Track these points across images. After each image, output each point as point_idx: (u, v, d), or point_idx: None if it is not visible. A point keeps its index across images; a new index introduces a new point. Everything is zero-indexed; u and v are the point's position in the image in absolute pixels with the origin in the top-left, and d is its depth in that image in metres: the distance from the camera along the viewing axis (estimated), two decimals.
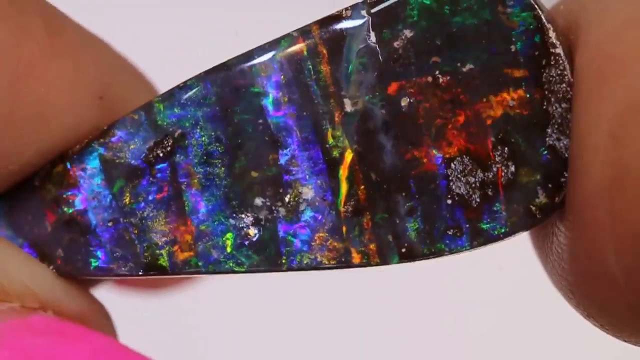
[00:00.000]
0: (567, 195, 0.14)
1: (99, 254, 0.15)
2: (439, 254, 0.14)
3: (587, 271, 0.14)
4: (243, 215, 0.15)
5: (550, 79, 0.14)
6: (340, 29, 0.14)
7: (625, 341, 0.14)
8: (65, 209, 0.15)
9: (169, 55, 0.40)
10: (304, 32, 0.14)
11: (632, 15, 0.13)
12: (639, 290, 0.13)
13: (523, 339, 0.39)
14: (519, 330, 0.39)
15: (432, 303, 0.39)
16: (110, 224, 0.15)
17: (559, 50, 0.14)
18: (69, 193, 0.15)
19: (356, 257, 0.14)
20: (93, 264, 0.15)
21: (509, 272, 0.37)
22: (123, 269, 0.15)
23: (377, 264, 0.15)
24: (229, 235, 0.15)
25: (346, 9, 0.14)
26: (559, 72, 0.14)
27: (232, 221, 0.15)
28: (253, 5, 0.42)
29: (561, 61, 0.14)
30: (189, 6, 0.42)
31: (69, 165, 0.15)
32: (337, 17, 0.14)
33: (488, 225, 0.14)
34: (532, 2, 0.14)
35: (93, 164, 0.15)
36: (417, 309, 0.39)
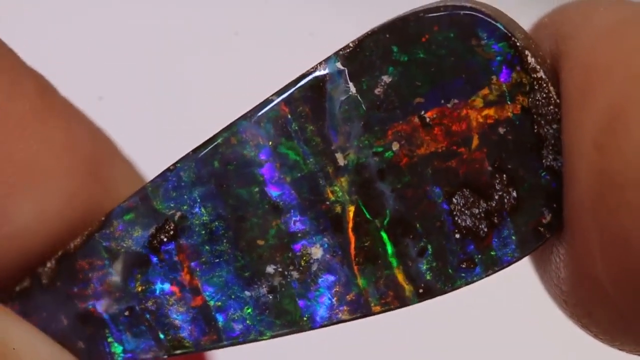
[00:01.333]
0: (564, 205, 0.14)
1: (121, 343, 0.15)
2: (457, 287, 0.15)
3: (578, 281, 0.14)
4: (257, 286, 0.15)
5: (537, 102, 0.14)
6: (319, 85, 0.14)
7: (620, 350, 0.14)
8: (78, 303, 0.15)
9: (169, 55, 0.40)
10: (283, 95, 0.14)
11: (612, 25, 0.13)
12: (627, 300, 0.13)
13: (523, 341, 0.39)
14: (519, 332, 0.39)
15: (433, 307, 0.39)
16: (126, 313, 0.15)
17: (541, 74, 0.14)
18: (80, 287, 0.15)
19: (376, 307, 0.15)
20: (116, 354, 0.15)
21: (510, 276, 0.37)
22: (147, 354, 0.15)
23: (397, 308, 0.15)
24: (247, 308, 0.15)
25: (320, 63, 0.14)
26: (544, 95, 0.14)
27: (247, 293, 0.15)
28: (253, 5, 0.42)
29: (544, 84, 0.14)
30: (189, 6, 0.42)
31: (74, 261, 0.15)
32: (314, 73, 0.14)
33: (500, 252, 0.14)
34: (506, 31, 0.14)
35: (99, 256, 0.15)
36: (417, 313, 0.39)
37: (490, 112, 0.14)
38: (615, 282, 0.13)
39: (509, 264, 0.15)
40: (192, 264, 0.15)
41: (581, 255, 0.13)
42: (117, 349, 0.15)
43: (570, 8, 0.14)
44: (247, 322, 0.15)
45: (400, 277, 0.15)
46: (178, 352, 0.15)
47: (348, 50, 0.14)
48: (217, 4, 0.41)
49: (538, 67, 0.14)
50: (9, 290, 0.15)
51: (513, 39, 0.14)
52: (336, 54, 0.14)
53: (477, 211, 0.14)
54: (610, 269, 0.13)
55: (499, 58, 0.14)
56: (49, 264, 0.15)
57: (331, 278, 0.15)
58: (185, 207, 0.15)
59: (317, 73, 0.14)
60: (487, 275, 0.15)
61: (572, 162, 0.13)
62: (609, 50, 0.13)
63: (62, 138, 0.15)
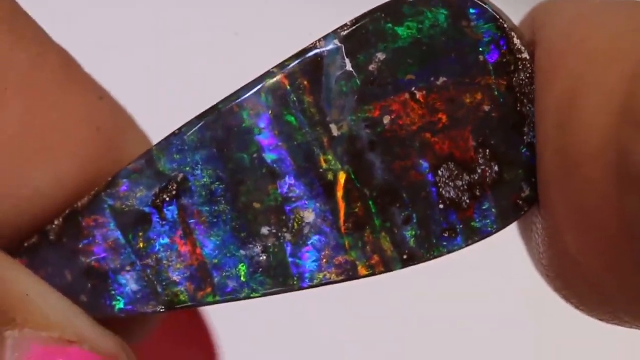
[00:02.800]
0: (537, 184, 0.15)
1: (121, 296, 0.16)
2: (438, 255, 0.15)
3: (553, 254, 0.15)
4: (252, 245, 0.16)
5: (520, 82, 0.15)
6: (317, 60, 0.15)
7: (600, 320, 0.15)
8: (83, 259, 0.16)
9: (170, 55, 0.40)
10: (283, 67, 0.15)
11: (576, 14, 0.14)
12: (595, 269, 0.13)
13: (521, 340, 0.39)
14: (518, 331, 0.39)
15: (431, 304, 0.39)
16: (128, 268, 0.16)
17: (525, 54, 0.15)
18: (85, 243, 0.16)
19: (362, 269, 0.15)
20: (117, 306, 0.16)
21: (507, 271, 0.38)
22: (145, 307, 0.16)
23: (381, 272, 0.16)
24: (241, 265, 0.16)
25: (319, 40, 0.15)
26: (527, 75, 0.15)
27: (242, 252, 0.16)
28: (253, 5, 0.42)
29: (528, 65, 0.15)
30: (189, 6, 0.42)
31: (80, 218, 0.16)
32: (313, 49, 0.15)
33: (480, 223, 0.15)
34: (494, 13, 0.15)
35: (103, 214, 0.16)
36: (416, 310, 0.39)
37: (477, 90, 0.15)
38: (583, 252, 0.13)
39: (489, 234, 0.15)
40: (192, 222, 0.16)
41: (553, 228, 0.14)
42: (119, 301, 0.16)
43: (546, 4, 0.15)
44: (241, 279, 0.16)
45: (385, 242, 0.15)
46: (175, 306, 0.16)
47: (345, 28, 0.15)
48: (217, 4, 0.41)
49: (523, 48, 0.15)
50: (19, 247, 0.16)
51: (500, 20, 0.15)
52: (334, 32, 0.15)
53: (460, 183, 0.15)
54: (577, 240, 0.13)
55: (486, 38, 0.15)
56: (56, 222, 0.16)
57: (321, 241, 0.15)
58: (187, 169, 0.15)
59: (316, 49, 0.15)
60: (466, 245, 0.15)
61: (539, 142, 0.14)
62: (566, 38, 0.14)
63: (81, 109, 0.16)
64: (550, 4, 0.15)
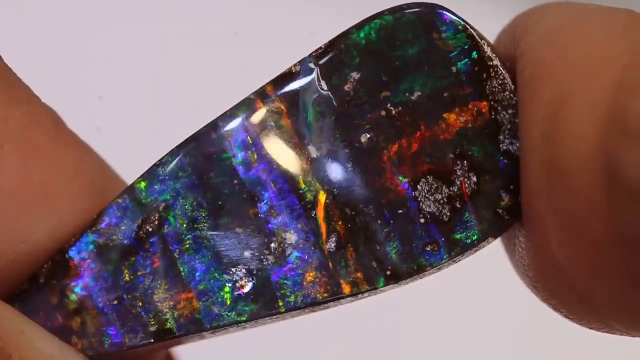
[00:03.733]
0: (521, 196, 0.15)
1: (110, 331, 0.16)
2: (422, 270, 0.16)
3: (540, 265, 0.15)
4: (235, 269, 0.16)
5: (493, 89, 0.15)
6: (293, 84, 0.15)
7: (590, 328, 0.15)
8: (72, 297, 0.16)
9: (170, 55, 0.40)
10: (261, 94, 0.16)
11: (560, 21, 0.14)
12: (583, 279, 0.14)
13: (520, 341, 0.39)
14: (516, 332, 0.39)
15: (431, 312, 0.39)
16: (115, 302, 0.16)
17: (496, 62, 0.15)
18: (73, 283, 0.16)
19: (346, 287, 0.16)
20: (106, 342, 0.16)
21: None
22: (134, 340, 0.16)
23: (366, 290, 0.16)
24: (226, 289, 0.16)
25: (294, 65, 0.15)
26: (499, 82, 0.15)
27: (226, 276, 0.16)
28: (253, 5, 0.42)
29: (500, 72, 0.15)
30: (188, 6, 0.42)
31: (67, 257, 0.16)
32: (289, 74, 0.15)
33: (461, 235, 0.15)
34: (464, 23, 0.15)
35: (89, 251, 0.16)
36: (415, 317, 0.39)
37: (452, 101, 0.15)
38: (571, 262, 0.14)
39: (471, 247, 0.15)
40: (175, 251, 0.16)
41: (539, 240, 0.14)
42: (107, 337, 0.16)
43: (526, 13, 0.15)
44: (227, 304, 0.16)
45: (368, 259, 0.16)
46: (164, 336, 0.16)
47: (320, 51, 0.15)
48: (217, 4, 0.41)
49: (493, 55, 0.15)
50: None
51: (469, 30, 0.15)
52: (309, 55, 0.15)
53: (440, 197, 0.15)
54: (565, 250, 0.14)
55: (458, 49, 0.15)
56: (45, 265, 0.16)
57: (304, 261, 0.16)
58: (168, 197, 0.16)
59: (292, 73, 0.15)
60: (450, 259, 0.15)
61: (525, 152, 0.14)
62: (551, 47, 0.14)
63: (73, 164, 0.16)
64: (531, 13, 0.15)
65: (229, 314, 0.16)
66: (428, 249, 0.15)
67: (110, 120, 0.38)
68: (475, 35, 0.15)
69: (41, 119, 0.16)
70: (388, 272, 0.15)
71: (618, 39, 0.13)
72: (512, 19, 0.16)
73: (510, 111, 0.15)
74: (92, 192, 0.16)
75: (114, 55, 0.40)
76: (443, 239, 0.15)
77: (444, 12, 0.15)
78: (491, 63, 0.15)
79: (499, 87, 0.15)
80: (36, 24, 0.40)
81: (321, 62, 0.15)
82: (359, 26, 0.15)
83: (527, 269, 0.15)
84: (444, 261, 0.15)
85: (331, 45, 0.15)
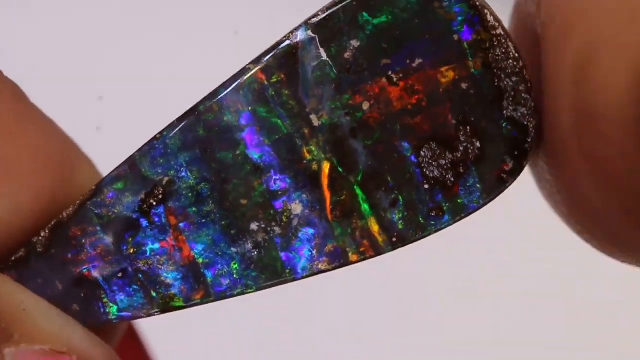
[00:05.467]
0: (545, 142, 0.15)
1: (115, 303, 0.16)
2: (427, 234, 0.16)
3: (573, 202, 0.15)
4: (242, 242, 0.16)
5: (497, 57, 0.15)
6: (292, 52, 0.15)
7: (622, 262, 0.15)
8: (73, 269, 0.16)
9: (170, 55, 0.40)
10: (259, 63, 0.15)
11: None
12: (614, 215, 0.14)
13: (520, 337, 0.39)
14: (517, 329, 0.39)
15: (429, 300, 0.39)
16: (120, 274, 0.16)
17: (500, 30, 0.15)
18: (74, 253, 0.16)
19: (353, 256, 0.16)
20: (112, 313, 0.16)
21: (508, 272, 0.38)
22: (140, 312, 0.16)
23: (372, 257, 0.16)
24: (233, 263, 0.16)
25: (292, 32, 0.15)
26: (503, 50, 0.15)
27: (233, 249, 0.16)
28: (253, 5, 0.42)
29: (503, 40, 0.15)
30: (189, 5, 0.42)
31: (67, 229, 0.16)
32: (287, 42, 0.15)
33: (466, 199, 0.16)
34: None
35: (91, 223, 0.16)
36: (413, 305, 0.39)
37: (453, 68, 0.15)
38: (600, 201, 0.14)
39: (475, 210, 0.16)
40: (181, 224, 0.16)
41: (570, 180, 0.15)
42: (112, 308, 0.16)
43: None
44: (234, 276, 0.16)
45: (374, 227, 0.16)
46: (171, 309, 0.16)
47: (317, 18, 0.15)
48: (217, 4, 0.41)
49: (497, 24, 0.15)
50: (3, 261, 0.16)
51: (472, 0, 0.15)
52: (306, 22, 0.15)
53: (443, 162, 0.15)
54: (595, 190, 0.14)
55: (460, 18, 0.15)
56: (42, 233, 0.16)
57: (311, 231, 0.16)
58: (172, 172, 0.16)
59: (290, 41, 0.15)
60: (454, 222, 0.16)
61: (555, 98, 0.14)
62: None
63: (35, 140, 0.16)
64: None
65: (237, 285, 0.16)
66: (433, 214, 0.15)
67: (110, 120, 0.38)
68: (478, 4, 0.15)
69: (3, 93, 0.16)
70: (394, 239, 0.16)
71: None
72: None
73: (514, 79, 0.15)
74: (54, 167, 0.16)
75: (114, 55, 0.40)
76: (447, 204, 0.15)
77: None
78: (495, 32, 0.15)
79: (503, 56, 0.15)
80: (36, 24, 0.40)
81: (320, 30, 0.15)
82: None
83: (559, 205, 0.16)
84: (448, 224, 0.16)
85: (330, 13, 0.15)
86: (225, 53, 0.40)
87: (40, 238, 0.16)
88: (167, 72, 0.40)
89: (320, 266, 0.16)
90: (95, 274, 0.16)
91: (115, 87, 0.39)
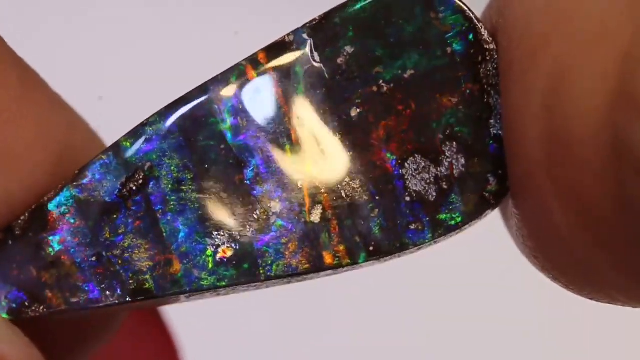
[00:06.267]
0: (509, 172, 0.15)
1: (87, 287, 0.16)
2: (404, 248, 0.16)
3: (541, 235, 0.15)
4: (218, 234, 0.16)
5: (488, 73, 0.15)
6: (286, 53, 0.15)
7: (590, 299, 0.15)
8: (49, 250, 0.16)
9: (170, 55, 0.40)
10: (252, 61, 0.15)
11: None
12: (586, 248, 0.14)
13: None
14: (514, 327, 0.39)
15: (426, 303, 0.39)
16: (94, 258, 0.16)
17: (493, 45, 0.15)
18: (50, 236, 0.16)
19: (328, 259, 0.16)
20: (82, 298, 0.16)
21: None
22: (111, 298, 0.16)
23: (347, 264, 0.16)
24: (208, 253, 0.16)
25: (288, 34, 0.15)
26: (494, 66, 0.15)
27: (209, 240, 0.16)
28: (253, 5, 0.42)
29: (496, 56, 0.15)
30: (188, 5, 0.42)
31: (45, 210, 0.16)
32: (282, 43, 0.15)
33: (446, 216, 0.15)
34: (462, 4, 0.15)
35: (69, 205, 0.16)
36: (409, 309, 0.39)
37: (445, 82, 0.15)
38: (572, 232, 0.14)
39: (456, 228, 0.15)
40: (158, 211, 0.16)
41: (539, 211, 0.14)
42: (85, 293, 0.16)
43: None
44: (208, 267, 0.16)
45: (351, 234, 0.15)
46: (141, 296, 0.16)
47: (314, 22, 0.15)
48: (217, 4, 0.41)
49: (490, 39, 0.15)
50: None
51: (468, 12, 0.15)
52: (304, 26, 0.15)
53: (427, 176, 0.15)
54: (567, 221, 0.13)
55: (454, 30, 0.15)
56: (22, 217, 0.16)
57: (287, 231, 0.15)
58: (154, 157, 0.16)
59: (285, 42, 0.15)
60: (434, 239, 0.15)
61: (522, 125, 0.14)
62: (548, 18, 0.14)
63: (37, 125, 0.16)
64: None
65: (209, 278, 0.16)
66: (412, 227, 0.15)
67: (110, 120, 0.38)
68: (474, 18, 0.15)
69: (7, 78, 0.16)
70: (371, 248, 0.15)
71: (622, 9, 0.13)
72: None
73: None
74: (58, 153, 0.16)
75: (114, 55, 0.40)
76: (427, 219, 0.15)
77: None
78: (487, 47, 0.15)
79: (494, 71, 0.15)
80: (36, 24, 0.40)
81: (315, 33, 0.15)
82: (355, 1, 0.15)
83: (526, 240, 0.15)
84: (427, 241, 0.15)
85: (326, 17, 0.15)
86: (225, 53, 0.40)
87: (20, 221, 0.16)
88: (167, 72, 0.40)
89: (294, 264, 0.16)
90: (70, 257, 0.16)
91: (115, 87, 0.39)
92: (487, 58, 0.15)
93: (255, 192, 0.15)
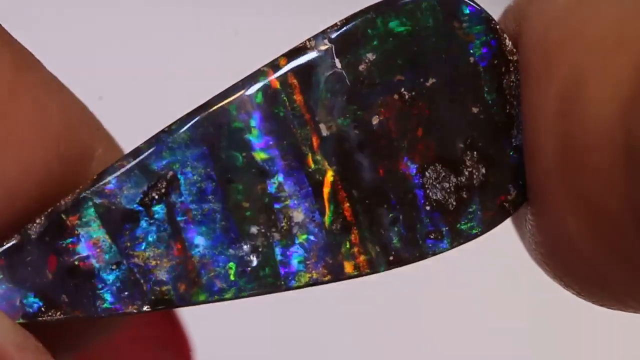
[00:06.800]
0: (526, 178, 0.15)
1: (107, 295, 0.16)
2: (423, 257, 0.15)
3: (554, 242, 0.15)
4: (241, 245, 0.15)
5: (511, 84, 0.15)
6: (307, 60, 0.15)
7: (600, 306, 0.15)
8: (66, 257, 0.15)
9: (170, 55, 0.40)
10: (274, 67, 0.15)
11: (570, 2, 0.14)
12: (599, 256, 0.14)
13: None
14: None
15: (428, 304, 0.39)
16: (114, 267, 0.15)
17: (516, 57, 0.15)
18: (68, 242, 0.15)
19: (349, 270, 0.15)
20: (103, 306, 0.16)
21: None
22: (131, 307, 0.16)
23: (367, 274, 0.16)
24: (230, 264, 0.15)
25: (309, 40, 0.15)
26: (517, 77, 0.15)
27: (231, 251, 0.15)
28: (253, 5, 0.42)
29: (519, 67, 0.15)
30: (189, 5, 0.42)
31: (64, 217, 0.15)
32: (303, 49, 0.15)
33: (466, 226, 0.15)
34: (486, 15, 0.15)
35: (89, 212, 0.15)
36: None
37: (467, 91, 0.15)
38: (586, 239, 0.14)
39: (475, 237, 0.15)
40: (181, 221, 0.15)
41: (553, 217, 0.14)
42: (104, 301, 0.16)
43: None
44: (230, 278, 0.15)
45: (372, 243, 0.15)
46: (162, 306, 0.16)
47: (335, 28, 0.15)
48: (217, 4, 0.41)
49: (514, 49, 0.15)
50: None
51: (493, 22, 0.15)
52: (324, 32, 0.15)
53: (447, 185, 0.15)
54: (582, 228, 0.13)
55: (478, 40, 0.15)
56: (38, 220, 0.16)
57: (309, 241, 0.15)
58: (177, 167, 0.15)
59: (306, 48, 0.15)
60: (452, 247, 0.15)
61: (538, 131, 0.14)
62: (565, 26, 0.14)
63: (32, 110, 0.16)
64: None
65: (231, 288, 0.15)
66: (432, 237, 0.15)
67: (110, 120, 0.38)
68: (498, 29, 0.15)
69: (1, 64, 0.15)
70: (391, 258, 0.15)
71: (636, 16, 0.13)
72: None
73: None
74: (55, 135, 0.16)
75: (114, 55, 0.40)
76: (447, 228, 0.15)
77: (468, 1, 0.15)
78: (512, 58, 0.15)
79: (517, 82, 0.15)
80: (36, 23, 0.40)
81: (337, 40, 0.15)
82: (379, 7, 0.15)
83: (538, 246, 0.15)
84: (445, 250, 0.15)
85: (348, 23, 0.15)
86: (225, 53, 0.40)
87: (35, 224, 0.15)
88: (167, 72, 0.40)
89: (315, 277, 0.15)
90: (89, 264, 0.15)
91: (115, 87, 0.39)
92: (511, 69, 0.15)
93: (277, 202, 0.15)
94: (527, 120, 0.14)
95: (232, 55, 0.40)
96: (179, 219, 0.15)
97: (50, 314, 0.16)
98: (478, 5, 0.15)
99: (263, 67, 0.15)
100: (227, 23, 0.41)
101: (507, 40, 0.15)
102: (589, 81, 0.13)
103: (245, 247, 0.15)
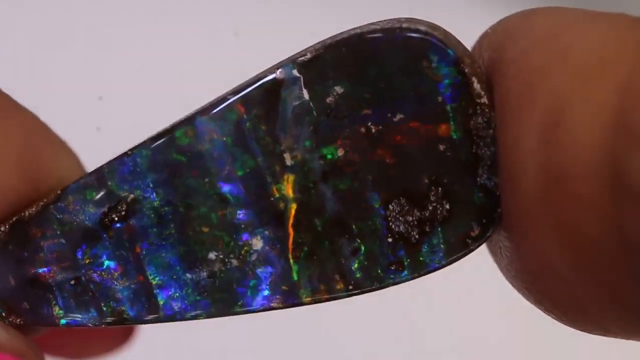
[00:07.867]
0: (503, 207, 0.15)
1: (64, 309, 0.16)
2: (383, 287, 0.16)
3: (535, 270, 0.14)
4: (198, 269, 0.16)
5: (478, 125, 0.15)
6: (275, 88, 0.15)
7: (582, 331, 0.15)
8: (28, 268, 0.16)
9: (169, 55, 0.40)
10: (240, 94, 0.15)
11: (553, 27, 0.14)
12: (584, 284, 0.13)
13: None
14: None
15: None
16: (72, 282, 0.16)
17: (484, 100, 0.15)
18: (31, 253, 0.16)
19: (307, 299, 0.16)
20: (60, 320, 0.16)
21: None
22: (88, 321, 0.16)
23: (326, 300, 0.16)
24: (187, 289, 0.16)
25: (276, 68, 0.15)
26: (485, 119, 0.15)
27: (189, 275, 0.16)
28: (253, 5, 0.42)
29: (487, 110, 0.15)
30: (188, 6, 0.42)
31: (27, 228, 0.16)
32: (271, 79, 0.15)
33: (428, 258, 0.15)
34: (456, 57, 0.15)
35: (51, 227, 0.16)
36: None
37: (433, 129, 0.15)
38: (570, 268, 0.13)
39: (436, 269, 0.16)
40: (139, 244, 0.16)
41: (535, 245, 0.14)
42: (60, 313, 0.16)
43: (509, 18, 0.15)
44: (186, 301, 0.16)
45: (332, 273, 0.16)
46: (118, 324, 0.16)
47: (305, 59, 0.15)
48: (217, 4, 0.41)
49: (483, 92, 0.15)
50: None
51: (462, 65, 0.15)
52: (293, 60, 0.15)
53: (410, 219, 0.15)
54: (565, 256, 0.13)
55: (447, 81, 0.15)
56: (2, 228, 0.16)
57: (268, 269, 0.16)
58: (138, 191, 0.16)
59: (274, 77, 0.15)
60: (413, 278, 0.16)
61: (516, 162, 0.14)
62: (546, 53, 0.13)
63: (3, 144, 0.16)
64: (516, 18, 0.15)
65: (187, 312, 0.16)
66: (392, 267, 0.15)
67: (110, 120, 0.38)
68: (467, 72, 0.15)
69: None
70: (350, 287, 0.15)
71: (620, 43, 0.12)
72: (493, 24, 0.15)
73: (492, 148, 0.15)
74: (19, 154, 0.16)
75: (114, 55, 0.40)
76: (408, 260, 0.15)
77: (438, 42, 0.15)
78: (479, 100, 0.15)
79: (484, 124, 0.15)
80: (36, 23, 0.40)
81: (306, 70, 0.15)
82: (349, 40, 0.15)
83: (518, 273, 0.15)
84: (407, 280, 0.15)
85: (317, 55, 0.15)
86: (225, 54, 0.40)
87: (0, 232, 0.16)
88: (167, 72, 0.40)
89: (272, 304, 0.16)
90: (49, 277, 0.16)
91: (115, 87, 0.39)
92: (478, 111, 0.15)
93: (237, 229, 0.15)
94: (506, 147, 0.14)
95: (232, 57, 0.40)
96: (137, 241, 0.16)
97: (11, 319, 0.16)
98: (448, 48, 0.15)
99: (228, 93, 0.15)
100: (227, 24, 0.41)
101: (475, 84, 0.15)
102: (571, 108, 0.13)
103: (203, 272, 0.16)
